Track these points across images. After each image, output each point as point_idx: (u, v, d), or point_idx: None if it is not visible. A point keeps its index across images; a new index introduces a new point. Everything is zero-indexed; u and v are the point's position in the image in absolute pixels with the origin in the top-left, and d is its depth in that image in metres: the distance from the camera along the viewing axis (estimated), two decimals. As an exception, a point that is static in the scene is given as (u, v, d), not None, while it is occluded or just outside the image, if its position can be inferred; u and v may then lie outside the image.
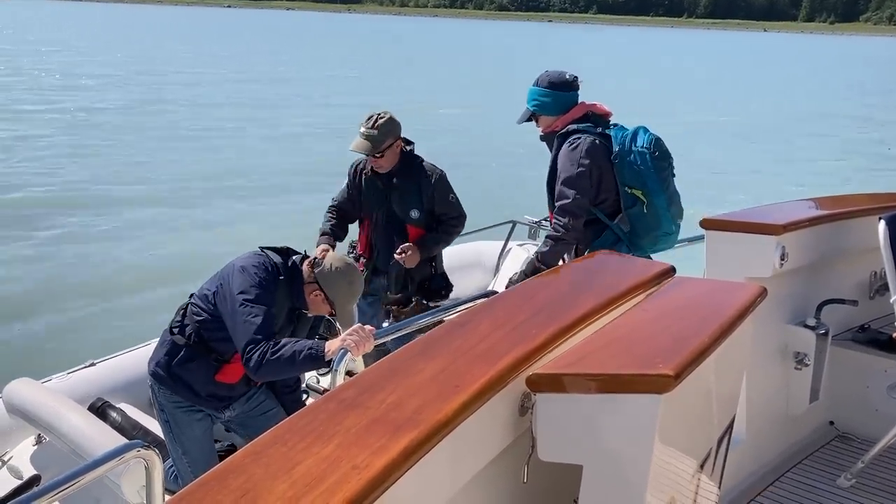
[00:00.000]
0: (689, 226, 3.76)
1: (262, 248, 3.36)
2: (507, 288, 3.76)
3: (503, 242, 5.78)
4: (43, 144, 16.92)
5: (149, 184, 13.79)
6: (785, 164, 19.02)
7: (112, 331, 7.13)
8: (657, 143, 3.78)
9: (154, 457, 2.43)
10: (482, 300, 2.69)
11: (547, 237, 3.80)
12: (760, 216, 3.12)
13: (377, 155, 4.04)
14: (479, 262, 5.87)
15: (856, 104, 33.75)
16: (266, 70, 38.27)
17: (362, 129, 4.05)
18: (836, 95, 38.15)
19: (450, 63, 50.48)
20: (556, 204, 3.75)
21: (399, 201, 4.15)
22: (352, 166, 4.32)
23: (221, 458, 3.73)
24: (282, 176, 14.79)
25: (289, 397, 3.72)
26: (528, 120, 3.99)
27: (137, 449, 2.41)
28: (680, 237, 4.06)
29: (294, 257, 3.35)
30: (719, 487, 2.18)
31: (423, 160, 4.21)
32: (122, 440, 3.31)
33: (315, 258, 3.31)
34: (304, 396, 3.93)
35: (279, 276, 3.23)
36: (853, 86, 44.06)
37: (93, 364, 4.24)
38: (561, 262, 3.77)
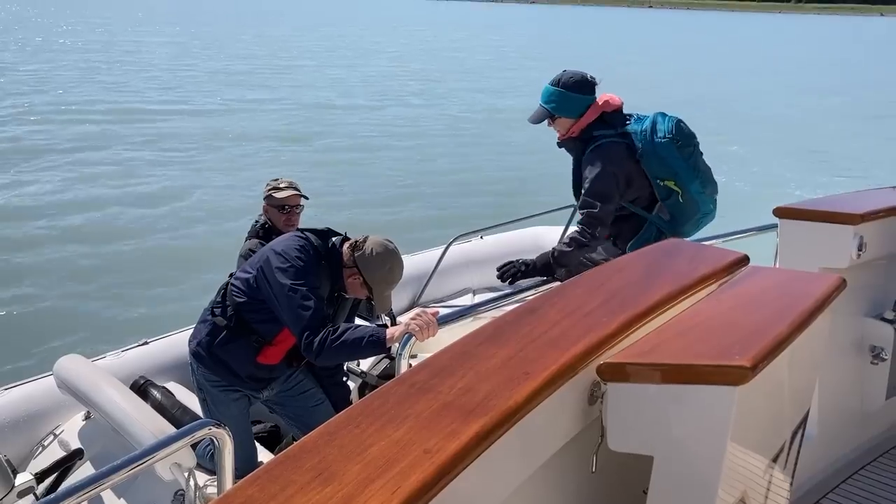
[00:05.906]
0: (762, 214, 3.62)
1: (301, 230, 3.31)
2: (498, 275, 3.78)
3: (563, 227, 5.68)
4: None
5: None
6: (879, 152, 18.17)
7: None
8: (678, 129, 3.73)
9: (224, 435, 2.45)
10: (551, 285, 2.67)
11: (571, 240, 3.76)
12: (837, 205, 2.97)
13: None
14: (538, 246, 5.75)
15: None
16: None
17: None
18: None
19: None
20: (582, 212, 3.74)
21: None
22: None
23: (264, 440, 3.78)
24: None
25: (329, 380, 3.71)
26: (543, 120, 3.89)
27: (209, 427, 2.43)
28: (749, 226, 3.94)
29: (333, 239, 3.29)
30: (791, 483, 2.12)
31: None
32: (160, 419, 3.33)
33: (356, 241, 3.25)
34: (345, 379, 3.92)
35: (321, 261, 3.18)
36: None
37: (146, 343, 4.34)
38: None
